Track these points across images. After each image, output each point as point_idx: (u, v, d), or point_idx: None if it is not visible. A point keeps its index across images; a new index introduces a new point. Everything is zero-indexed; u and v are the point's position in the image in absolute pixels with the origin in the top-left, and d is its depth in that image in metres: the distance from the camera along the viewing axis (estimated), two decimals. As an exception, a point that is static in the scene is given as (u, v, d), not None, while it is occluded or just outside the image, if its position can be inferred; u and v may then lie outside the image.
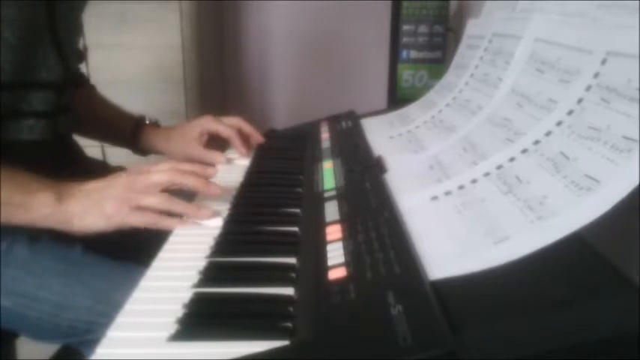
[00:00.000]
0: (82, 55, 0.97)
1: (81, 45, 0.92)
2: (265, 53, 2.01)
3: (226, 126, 0.94)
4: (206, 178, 0.69)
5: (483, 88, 0.80)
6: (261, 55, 2.01)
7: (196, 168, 0.69)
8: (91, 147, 1.00)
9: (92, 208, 0.65)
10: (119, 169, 0.83)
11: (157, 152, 1.00)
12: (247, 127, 0.96)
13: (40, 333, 0.72)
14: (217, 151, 0.94)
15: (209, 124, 0.94)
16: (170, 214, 0.66)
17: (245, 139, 0.96)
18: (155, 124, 0.99)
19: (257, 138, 0.98)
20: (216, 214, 0.68)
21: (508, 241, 0.47)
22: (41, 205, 0.65)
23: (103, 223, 0.65)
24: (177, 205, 0.66)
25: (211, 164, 0.90)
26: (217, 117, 0.96)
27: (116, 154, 1.03)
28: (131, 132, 0.97)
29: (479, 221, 0.52)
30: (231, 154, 0.96)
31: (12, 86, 0.73)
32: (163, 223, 0.65)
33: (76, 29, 0.87)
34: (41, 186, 0.66)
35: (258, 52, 2.00)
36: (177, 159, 0.97)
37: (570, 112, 0.56)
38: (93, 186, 0.67)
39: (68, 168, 0.77)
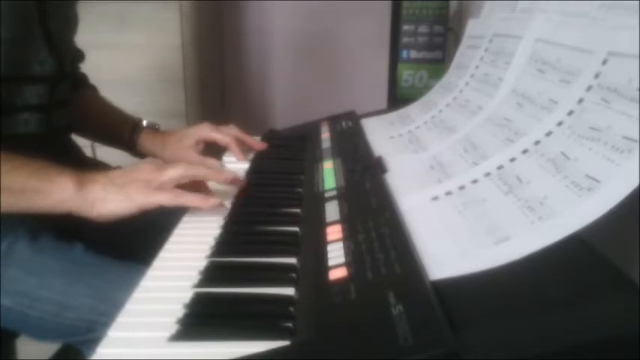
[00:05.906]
0: (82, 54, 0.97)
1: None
2: (265, 53, 2.00)
3: (224, 134, 0.94)
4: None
5: (484, 89, 0.80)
6: (261, 55, 2.01)
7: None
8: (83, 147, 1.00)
9: (116, 193, 0.65)
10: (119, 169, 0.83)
11: (153, 157, 0.99)
12: (244, 136, 0.96)
13: (41, 332, 0.72)
14: (213, 158, 0.94)
15: (206, 132, 0.94)
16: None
17: (243, 146, 0.96)
18: (153, 128, 0.99)
19: (257, 145, 0.97)
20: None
21: (508, 241, 0.47)
22: (61, 190, 0.65)
23: (126, 206, 0.65)
24: (200, 171, 0.69)
25: None
26: (215, 125, 0.95)
27: (106, 154, 1.02)
28: (129, 135, 0.97)
29: (479, 221, 0.52)
30: (228, 157, 0.95)
31: (5, 81, 0.73)
32: (185, 198, 0.66)
33: (69, 23, 0.87)
34: (60, 171, 0.67)
35: (258, 52, 2.00)
36: None
37: (571, 113, 0.56)
38: (116, 173, 0.68)
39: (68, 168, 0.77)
